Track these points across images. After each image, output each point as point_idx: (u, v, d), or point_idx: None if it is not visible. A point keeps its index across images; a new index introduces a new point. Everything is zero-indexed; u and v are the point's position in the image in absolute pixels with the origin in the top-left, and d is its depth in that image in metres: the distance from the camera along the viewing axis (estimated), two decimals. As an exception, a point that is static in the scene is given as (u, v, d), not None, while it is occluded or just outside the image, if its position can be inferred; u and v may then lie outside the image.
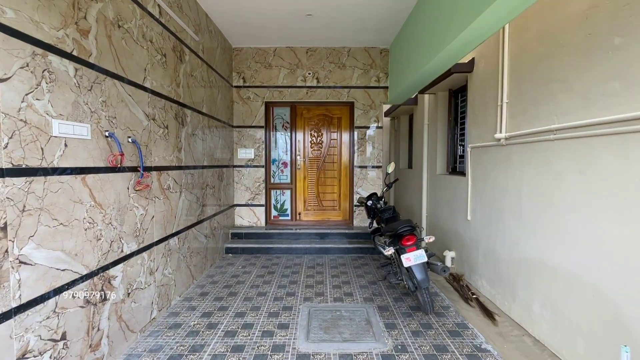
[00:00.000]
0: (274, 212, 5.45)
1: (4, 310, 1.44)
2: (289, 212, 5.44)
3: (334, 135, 5.39)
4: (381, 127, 5.25)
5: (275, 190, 5.42)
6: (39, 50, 1.62)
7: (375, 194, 3.98)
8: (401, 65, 4.45)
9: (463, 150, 4.07)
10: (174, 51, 3.11)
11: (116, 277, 2.22)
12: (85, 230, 1.93)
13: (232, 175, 5.17)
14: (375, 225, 3.88)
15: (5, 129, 1.44)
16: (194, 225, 3.59)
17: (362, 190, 5.26)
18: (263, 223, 5.32)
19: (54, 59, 1.70)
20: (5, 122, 1.44)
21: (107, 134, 2.11)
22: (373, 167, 5.27)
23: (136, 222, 2.46)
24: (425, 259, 2.61)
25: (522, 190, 2.65)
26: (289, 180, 5.41)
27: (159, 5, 2.80)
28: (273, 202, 5.43)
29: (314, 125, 5.38)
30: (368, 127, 5.22)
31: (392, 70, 4.94)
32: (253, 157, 5.25)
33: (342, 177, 5.42)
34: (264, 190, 5.29)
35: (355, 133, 5.24)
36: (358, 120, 5.22)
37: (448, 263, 3.94)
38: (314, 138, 5.39)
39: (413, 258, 2.59)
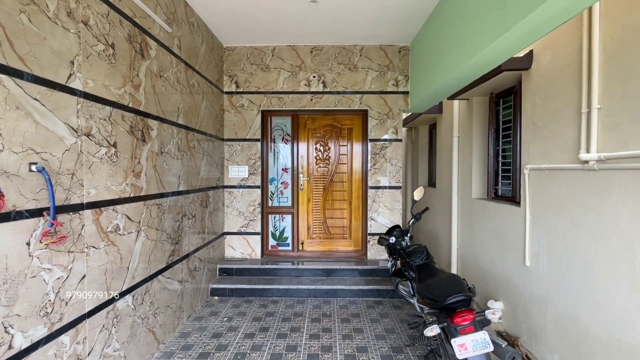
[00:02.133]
0: (271, 241, 4.56)
1: None
2: (289, 241, 4.55)
3: (344, 150, 4.53)
4: (400, 140, 4.38)
5: (273, 215, 4.55)
6: None
7: (397, 227, 3.07)
8: (426, 66, 3.59)
9: (511, 170, 3.17)
10: (131, 42, 2.30)
11: (-6, 395, 1.35)
12: None
13: (222, 198, 4.32)
14: (398, 265, 2.97)
15: None
16: (162, 271, 2.73)
17: (378, 216, 4.36)
18: (258, 254, 4.43)
19: None
20: None
21: (-25, 161, 1.27)
22: (390, 187, 4.38)
23: (46, 292, 1.60)
24: (491, 348, 1.69)
25: (635, 241, 1.73)
26: (289, 203, 4.54)
27: (102, -24, 2.00)
28: (271, 229, 4.56)
29: (319, 138, 4.53)
30: (384, 140, 4.35)
31: (414, 72, 4.09)
32: (247, 176, 4.41)
33: (353, 200, 4.53)
34: (259, 216, 4.43)
35: (369, 147, 4.38)
36: (372, 131, 4.36)
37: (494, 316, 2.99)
38: (319, 153, 4.54)
39: (471, 346, 1.68)
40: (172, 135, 2.93)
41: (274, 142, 4.54)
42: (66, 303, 1.73)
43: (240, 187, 4.41)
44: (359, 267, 4.13)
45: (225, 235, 4.41)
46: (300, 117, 4.53)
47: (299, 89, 4.35)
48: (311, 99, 4.35)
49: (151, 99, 2.57)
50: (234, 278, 4.07)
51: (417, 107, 4.25)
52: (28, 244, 1.51)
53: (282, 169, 4.54)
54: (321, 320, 3.23)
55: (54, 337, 1.65)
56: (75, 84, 1.80)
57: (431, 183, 5.55)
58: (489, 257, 3.28)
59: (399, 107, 4.34)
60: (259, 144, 4.41)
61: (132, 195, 2.32)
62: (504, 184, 3.35)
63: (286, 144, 4.53)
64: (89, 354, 1.89)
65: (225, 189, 4.41)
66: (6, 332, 1.41)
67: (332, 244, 4.56)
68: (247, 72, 4.36)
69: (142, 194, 2.45)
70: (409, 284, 2.75)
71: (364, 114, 4.45)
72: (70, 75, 1.76)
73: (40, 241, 1.55)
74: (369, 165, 4.39)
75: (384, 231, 3.12)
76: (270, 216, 4.55)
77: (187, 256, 3.22)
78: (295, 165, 4.53)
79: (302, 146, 4.53)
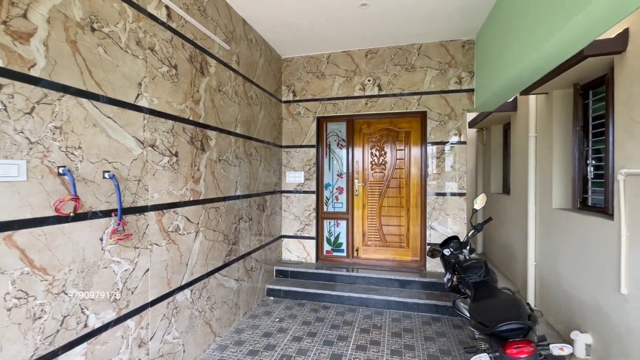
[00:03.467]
0: (326, 247, 4.58)
1: None
2: (344, 247, 4.51)
3: (401, 154, 4.33)
4: (464, 142, 3.99)
5: (328, 221, 4.57)
6: None
7: (455, 237, 2.80)
8: (494, 57, 3.22)
9: (604, 176, 2.63)
10: (192, 62, 2.58)
11: (72, 364, 1.62)
12: (9, 310, 1.36)
13: (280, 202, 4.51)
14: (455, 281, 2.69)
15: None
16: (219, 270, 2.96)
17: (438, 225, 4.04)
18: (313, 259, 4.49)
19: (-50, 71, 1.18)
20: None
21: (60, 170, 1.56)
22: (453, 194, 4.01)
23: (115, 282, 1.87)
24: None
25: None
26: (344, 209, 4.51)
27: (166, 7, 2.28)
28: (326, 234, 4.58)
29: (375, 142, 4.41)
30: (446, 143, 4.02)
31: (481, 67, 3.70)
32: (303, 182, 4.52)
33: (411, 207, 4.28)
34: (314, 220, 4.49)
35: (429, 150, 4.09)
36: (432, 134, 4.07)
37: (580, 352, 2.49)
38: (375, 158, 4.41)
39: (529, 385, 1.41)
40: (230, 144, 3.17)
41: (329, 148, 4.57)
42: (132, 292, 1.99)
43: (297, 192, 4.55)
44: (416, 278, 3.86)
45: (282, 238, 4.58)
46: (355, 121, 4.48)
47: (353, 94, 4.31)
48: (366, 103, 4.27)
49: (210, 112, 2.83)
50: (289, 280, 4.19)
51: (484, 106, 3.84)
52: (101, 239, 1.78)
53: (337, 175, 4.54)
54: (370, 332, 3.11)
55: (121, 321, 1.91)
56: (142, 102, 2.08)
57: (506, 190, 4.93)
58: (574, 279, 2.75)
59: (462, 106, 3.97)
60: (314, 150, 4.49)
61: (191, 199, 2.57)
62: (597, 191, 2.79)
63: (341, 149, 4.53)
64: (151, 339, 2.14)
65: (282, 194, 4.59)
66: (82, 312, 1.68)
67: (388, 252, 4.37)
68: (303, 80, 4.50)
69: (201, 198, 2.70)
70: (466, 296, 2.47)
71: (422, 116, 4.19)
72: (138, 95, 2.05)
73: (110, 237, 1.82)
74: (428, 170, 4.11)
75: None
76: (325, 221, 4.58)
77: (243, 256, 3.44)
78: (350, 170, 4.49)
79: (357, 151, 4.47)
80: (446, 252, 2.66)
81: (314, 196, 4.49)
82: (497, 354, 1.55)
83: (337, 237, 4.54)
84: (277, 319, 3.38)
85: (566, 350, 1.48)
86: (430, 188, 4.09)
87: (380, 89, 4.21)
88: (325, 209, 4.57)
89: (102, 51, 1.80)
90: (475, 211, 2.74)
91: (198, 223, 2.66)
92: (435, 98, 4.04)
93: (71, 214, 1.59)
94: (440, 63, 4.02)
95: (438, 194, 4.06)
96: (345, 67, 4.34)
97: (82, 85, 1.68)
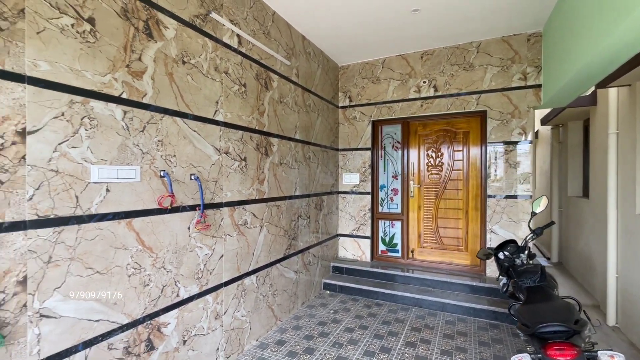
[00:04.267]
0: (381, 246, 4.69)
1: (17, 367, 1.40)
2: (399, 247, 4.57)
3: (459, 155, 4.23)
4: (531, 142, 3.75)
5: (383, 221, 4.68)
6: (79, 98, 1.61)
7: (512, 241, 2.71)
8: (565, 48, 2.99)
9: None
10: (258, 79, 2.98)
11: (168, 324, 2.09)
12: (129, 276, 1.85)
13: (336, 203, 4.77)
14: (510, 286, 2.61)
15: (31, 181, 1.44)
16: (280, 261, 3.33)
17: (500, 228, 3.85)
18: (368, 258, 4.64)
19: (97, 104, 1.69)
20: (31, 173, 1.44)
21: (161, 174, 2.04)
22: (516, 196, 3.79)
23: (198, 263, 2.32)
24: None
25: None
26: (399, 210, 4.57)
27: (238, 35, 2.71)
28: (381, 234, 4.70)
29: (431, 144, 4.39)
30: (509, 142, 3.82)
31: (549, 60, 3.46)
32: (358, 183, 4.71)
33: (469, 209, 4.16)
34: (369, 220, 4.64)
35: (489, 151, 3.93)
36: (493, 134, 3.90)
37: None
38: (431, 159, 4.39)
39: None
40: (290, 149, 3.53)
41: (384, 150, 4.68)
42: (210, 272, 2.44)
43: (352, 193, 4.75)
44: (475, 283, 3.75)
45: (338, 237, 4.83)
46: (410, 124, 4.51)
47: (408, 97, 4.36)
48: (421, 105, 4.28)
49: (273, 121, 3.22)
50: (345, 277, 4.42)
51: (553, 101, 3.56)
52: (188, 228, 2.24)
53: (392, 176, 4.63)
54: (422, 331, 3.16)
55: (202, 295, 2.36)
56: (219, 117, 2.52)
57: (585, 193, 4.45)
58: (659, 294, 2.45)
59: (527, 104, 3.73)
60: (369, 152, 4.65)
61: (257, 198, 2.97)
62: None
63: (396, 151, 4.60)
64: (224, 313, 2.57)
65: (339, 194, 4.84)
66: (175, 285, 2.15)
67: (444, 255, 4.30)
68: (359, 86, 4.69)
69: (265, 197, 3.10)
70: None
71: (482, 116, 4.04)
72: (216, 111, 2.49)
73: (195, 227, 2.27)
74: (488, 171, 3.95)
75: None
76: (380, 222, 4.69)
77: (302, 251, 3.77)
78: (405, 172, 4.54)
79: (413, 153, 4.50)
80: (500, 255, 2.60)
81: (369, 197, 4.65)
82: (540, 355, 1.56)
83: (392, 238, 4.62)
84: (331, 311, 3.64)
85: (617, 358, 1.42)
86: (490, 190, 3.93)
87: (436, 90, 4.19)
88: (380, 210, 4.69)
89: (190, 79, 2.26)
90: (534, 214, 2.63)
91: (262, 219, 3.05)
92: (497, 96, 3.87)
93: (168, 207, 2.06)
94: (502, 59, 3.85)
95: (499, 197, 3.87)
96: (400, 70, 4.41)
97: (176, 107, 2.15)
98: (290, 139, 3.52)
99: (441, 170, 4.32)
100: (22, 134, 1.41)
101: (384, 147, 4.68)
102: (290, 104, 3.54)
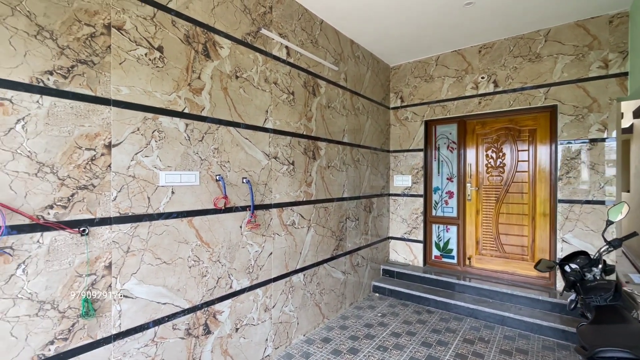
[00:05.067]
0: (435, 251, 4.50)
1: (105, 336, 1.72)
2: (454, 253, 4.33)
3: (523, 155, 3.85)
4: (613, 139, 3.25)
5: (437, 225, 4.48)
6: (150, 115, 1.92)
7: (583, 253, 2.40)
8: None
9: None
10: (305, 87, 3.13)
11: (222, 312, 2.34)
12: (190, 267, 2.13)
13: (387, 205, 4.71)
14: (579, 305, 2.32)
15: (115, 185, 1.77)
16: (327, 261, 3.43)
17: (574, 238, 3.42)
18: (420, 262, 4.49)
19: (164, 119, 1.99)
20: (115, 179, 1.77)
21: (217, 177, 2.29)
22: (593, 202, 3.32)
23: (249, 259, 2.54)
24: None
25: None
26: (455, 214, 4.33)
27: (286, 47, 2.89)
28: (434, 238, 4.50)
29: (491, 144, 4.08)
30: (587, 141, 3.37)
31: (637, 44, 2.97)
32: (410, 185, 4.59)
33: (537, 215, 3.76)
34: (422, 224, 4.49)
35: (560, 150, 3.51)
36: (565, 131, 3.48)
37: None
38: (491, 160, 4.07)
39: None
40: (338, 152, 3.62)
41: (438, 151, 4.48)
42: (260, 268, 2.64)
43: (404, 195, 4.65)
44: (542, 297, 3.39)
45: (389, 240, 4.76)
46: (467, 122, 4.25)
47: (464, 94, 4.11)
48: (479, 102, 4.01)
49: (320, 126, 3.34)
50: (395, 280, 4.35)
51: (643, 92, 3.04)
52: (240, 227, 2.47)
53: (447, 178, 4.41)
54: (475, 343, 2.97)
55: (253, 289, 2.58)
56: (268, 125, 2.72)
57: (694, 198, 3.69)
58: None
59: (609, 95, 3.25)
60: (422, 153, 4.50)
61: (304, 200, 3.12)
62: None
63: (451, 152, 4.37)
64: (273, 307, 2.77)
65: (390, 197, 4.77)
66: (229, 277, 2.39)
67: (507, 265, 3.95)
68: (411, 85, 4.57)
69: (312, 198, 3.23)
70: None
71: (551, 111, 3.63)
72: (265, 119, 2.70)
73: (246, 226, 2.49)
74: (559, 173, 3.53)
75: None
76: (433, 225, 4.50)
77: (350, 252, 3.83)
78: (461, 174, 4.29)
79: (470, 153, 4.23)
80: (567, 268, 2.33)
81: (421, 200, 4.50)
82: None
83: (446, 243, 4.40)
84: (379, 314, 3.62)
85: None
86: (562, 194, 3.50)
87: (496, 86, 3.88)
88: (433, 213, 4.50)
89: (242, 91, 2.49)
90: (610, 223, 2.30)
91: (310, 219, 3.19)
92: (569, 89, 3.44)
93: (223, 208, 2.31)
94: (576, 47, 3.41)
95: (572, 202, 3.43)
96: (455, 66, 4.19)
97: (230, 118, 2.39)
98: (338, 142, 3.61)
99: (503, 172, 3.99)
100: (109, 146, 1.74)
101: (438, 147, 4.48)
102: (338, 108, 3.62)
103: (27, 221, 1.47)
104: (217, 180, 2.29)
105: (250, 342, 2.55)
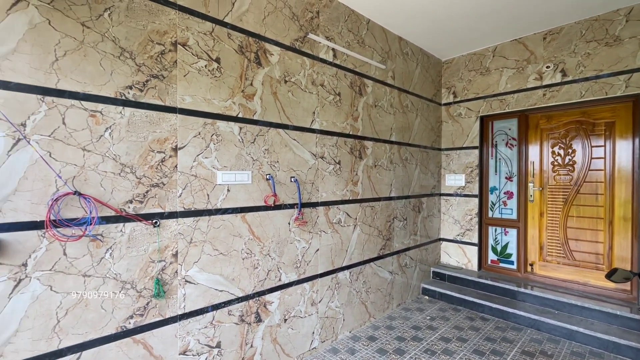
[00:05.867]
0: (491, 255, 4.22)
1: (172, 315, 1.97)
2: (514, 259, 4.01)
3: (598, 152, 3.43)
4: None
5: (493, 227, 4.19)
6: (209, 120, 2.13)
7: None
8: None
9: None
10: (352, 87, 3.17)
11: (272, 302, 2.50)
12: (243, 259, 2.31)
13: (438, 205, 4.53)
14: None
15: (180, 183, 2.00)
16: (374, 260, 3.44)
17: (663, 247, 2.95)
18: (475, 266, 4.24)
19: (221, 124, 2.19)
20: (180, 178, 2.00)
21: (267, 177, 2.45)
22: (695, 206, 2.83)
23: (297, 254, 2.67)
24: None
25: None
26: (514, 216, 4.01)
27: (333, 49, 2.96)
28: (491, 242, 4.22)
29: (558, 139, 3.70)
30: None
31: None
32: (464, 185, 4.36)
33: (615, 219, 3.32)
34: (477, 226, 4.24)
35: (646, 146, 3.06)
36: (652, 123, 3.02)
37: None
38: (558, 157, 3.70)
39: None
40: (385, 151, 3.59)
41: (496, 148, 4.18)
42: (307, 263, 2.76)
43: (457, 195, 4.43)
44: (620, 312, 2.99)
45: (440, 241, 4.58)
46: (529, 117, 3.90)
47: (526, 86, 3.79)
48: (544, 95, 3.66)
49: (367, 125, 3.35)
50: (446, 284, 4.17)
51: None
52: (288, 223, 2.61)
53: (506, 177, 4.10)
54: (536, 357, 2.74)
55: (300, 283, 2.70)
56: (315, 125, 2.82)
57: None
58: None
59: None
60: (476, 151, 4.24)
61: (350, 198, 3.17)
62: None
63: (511, 149, 4.05)
64: (319, 301, 2.86)
65: (441, 197, 4.58)
66: (278, 270, 2.54)
67: (577, 274, 3.55)
68: (464, 80, 4.34)
69: (359, 197, 3.26)
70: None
71: (634, 101, 3.17)
72: (312, 120, 2.80)
73: (294, 223, 2.62)
74: (644, 171, 3.08)
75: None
76: (490, 228, 4.22)
77: (397, 252, 3.78)
78: (522, 173, 3.95)
79: (533, 150, 3.88)
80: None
81: (476, 200, 4.25)
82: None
83: (504, 247, 4.10)
84: (428, 317, 3.52)
85: None
86: (648, 196, 3.05)
87: (564, 75, 3.51)
88: (490, 215, 4.22)
89: (290, 95, 2.62)
90: None
91: (356, 218, 3.22)
92: (658, 74, 2.98)
93: (272, 205, 2.46)
94: (667, 25, 2.94)
95: (663, 205, 2.97)
96: (515, 57, 3.88)
97: (279, 120, 2.54)
98: (385, 141, 3.58)
99: (572, 171, 3.59)
100: (175, 149, 1.98)
101: (496, 145, 4.19)
102: (386, 106, 3.59)
103: (112, 213, 1.75)
104: (267, 179, 2.45)
105: (297, 333, 2.68)
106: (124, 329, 1.79)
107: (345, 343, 2.97)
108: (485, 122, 4.26)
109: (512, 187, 4.04)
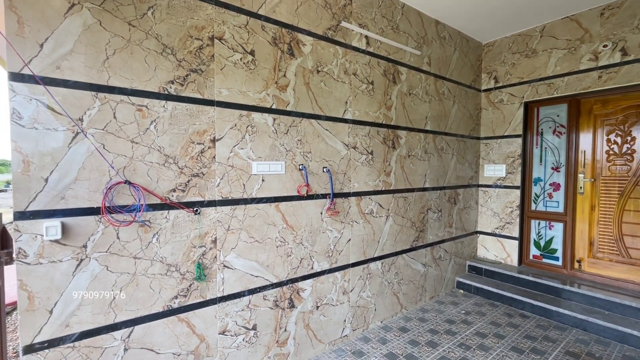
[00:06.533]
0: (533, 250, 3.99)
1: (212, 297, 2.09)
2: (559, 254, 3.77)
3: (664, 140, 3.08)
4: None
5: (537, 221, 3.95)
6: (244, 112, 2.19)
7: None
8: None
9: None
10: (385, 75, 3.10)
11: (305, 289, 2.56)
12: (277, 247, 2.39)
13: (475, 197, 4.34)
14: None
15: (219, 173, 2.09)
16: (406, 252, 3.39)
17: None
18: (515, 261, 4.04)
19: (255, 115, 2.24)
20: (218, 168, 2.09)
21: (300, 167, 2.48)
22: None
23: (328, 243, 2.70)
24: None
25: None
26: (561, 209, 3.75)
27: (366, 37, 2.90)
28: (533, 236, 3.99)
29: (615, 126, 3.37)
30: None
31: None
32: (504, 175, 4.13)
33: (681, 214, 2.99)
34: (518, 219, 4.01)
35: None
36: None
37: None
38: (614, 146, 3.37)
39: None
40: (420, 140, 3.49)
41: (541, 137, 3.90)
42: (339, 253, 2.79)
43: (496, 186, 4.21)
44: (683, 316, 2.72)
45: (477, 234, 4.40)
46: (582, 102, 3.58)
47: (578, 68, 3.47)
48: (599, 77, 3.33)
49: (400, 114, 3.26)
50: (482, 278, 4.02)
51: None
52: (321, 213, 2.64)
53: (552, 168, 3.82)
54: (581, 358, 2.58)
55: (332, 272, 2.74)
56: (347, 115, 2.80)
57: None
58: None
59: None
60: (519, 140, 3.99)
61: (383, 189, 3.13)
62: None
63: (559, 137, 3.76)
64: (351, 291, 2.89)
65: (479, 188, 4.38)
66: (310, 259, 2.59)
67: (633, 273, 3.27)
68: (507, 63, 4.06)
69: (391, 188, 3.21)
70: None
71: None
72: (345, 110, 2.78)
73: (326, 212, 2.65)
74: None
75: None
76: (532, 221, 3.98)
77: (431, 244, 3.69)
78: (571, 163, 3.66)
79: (585, 138, 3.57)
80: None
81: (517, 192, 4.02)
82: None
83: (548, 242, 3.85)
84: (463, 311, 3.43)
85: None
86: None
87: (624, 54, 3.17)
88: (533, 207, 3.98)
89: (323, 85, 2.62)
90: None
91: (388, 209, 3.19)
92: None
93: (305, 195, 2.50)
94: None
95: None
96: (566, 36, 3.55)
97: (312, 111, 2.55)
98: (419, 130, 3.48)
99: (631, 160, 3.27)
100: (213, 141, 2.07)
101: (541, 132, 3.90)
102: (421, 94, 3.47)
103: (158, 201, 1.88)
104: (300, 170, 2.49)
105: (329, 320, 2.73)
106: (170, 308, 1.93)
107: (376, 332, 2.99)
108: (530, 108, 3.98)
109: (559, 178, 3.76)
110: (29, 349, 1.55)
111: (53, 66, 1.58)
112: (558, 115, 3.76)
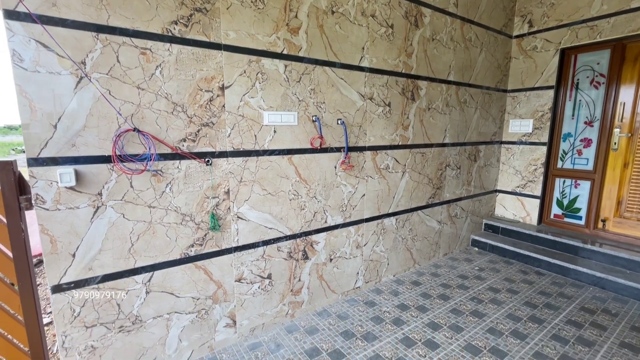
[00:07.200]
0: (555, 209, 3.85)
1: (227, 247, 2.13)
2: (582, 214, 3.62)
3: None
4: None
5: (561, 179, 3.76)
6: (254, 58, 2.06)
7: None
8: None
9: None
10: (406, 17, 2.82)
11: (318, 242, 2.58)
12: (290, 200, 2.37)
13: (498, 154, 4.15)
14: None
15: (229, 123, 2.02)
16: (422, 209, 3.33)
17: None
18: (534, 220, 3.94)
19: (266, 61, 2.10)
20: (228, 118, 2.02)
21: (313, 118, 2.37)
22: None
23: (342, 198, 2.67)
24: None
25: None
26: (590, 167, 3.53)
27: (386, -28, 2.60)
28: (556, 195, 3.83)
29: (664, 74, 3.02)
30: None
31: None
32: (531, 131, 3.88)
33: None
34: (541, 177, 3.83)
35: None
36: None
37: None
38: (660, 97, 3.06)
39: None
40: (441, 92, 3.26)
41: (576, 88, 3.57)
42: (353, 208, 2.76)
43: (521, 143, 3.99)
44: None
45: (496, 193, 4.27)
46: (628, 47, 3.20)
47: (629, 6, 3.05)
48: (653, 16, 2.93)
49: (422, 63, 3.02)
50: (499, 237, 3.97)
51: None
52: (335, 167, 2.57)
53: (585, 122, 3.54)
54: (596, 314, 2.57)
55: (345, 226, 2.73)
56: (364, 63, 2.61)
57: None
58: None
59: None
60: (551, 92, 3.67)
61: (400, 144, 3.00)
62: None
63: (596, 88, 3.43)
64: (364, 245, 2.90)
65: (502, 145, 4.17)
66: (324, 213, 2.58)
67: (661, 232, 3.12)
68: (545, 4, 3.62)
69: (409, 143, 3.08)
70: None
71: None
72: (361, 57, 2.58)
73: (340, 166, 2.58)
74: None
75: None
76: (557, 180, 3.80)
77: (448, 202, 3.61)
78: (607, 116, 3.37)
79: (626, 90, 3.24)
80: None
81: (544, 148, 3.80)
82: None
83: (572, 201, 3.69)
84: (476, 268, 3.43)
85: None
86: None
87: (688, -13, 2.74)
88: (559, 165, 3.77)
89: (338, 28, 2.41)
90: None
91: (405, 165, 3.08)
92: None
93: (318, 148, 2.42)
94: None
95: None
96: (620, -32, 3.09)
97: (325, 57, 2.38)
98: (442, 81, 3.24)
99: (677, 113, 2.97)
100: (222, 88, 1.97)
101: (577, 83, 3.57)
102: (445, 40, 3.18)
103: (169, 151, 1.84)
104: (313, 121, 2.38)
105: (342, 272, 2.78)
106: (187, 256, 1.98)
107: (388, 285, 3.04)
108: (567, 55, 3.61)
109: (592, 133, 3.50)
110: (57, 288, 1.63)
111: (49, 2, 1.47)
112: (598, 64, 3.40)
